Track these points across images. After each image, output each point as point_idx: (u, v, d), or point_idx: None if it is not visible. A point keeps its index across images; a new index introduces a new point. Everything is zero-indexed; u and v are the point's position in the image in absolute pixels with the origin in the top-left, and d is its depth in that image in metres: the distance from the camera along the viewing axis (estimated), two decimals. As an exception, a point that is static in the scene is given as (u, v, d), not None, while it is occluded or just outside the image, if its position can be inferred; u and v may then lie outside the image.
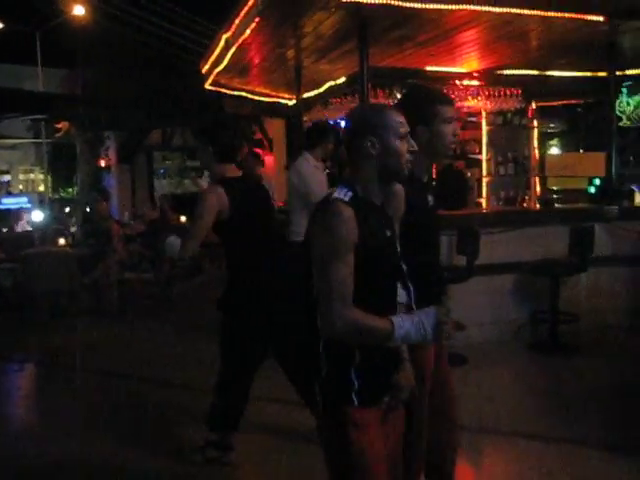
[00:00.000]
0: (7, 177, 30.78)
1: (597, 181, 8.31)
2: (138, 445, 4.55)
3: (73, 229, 13.91)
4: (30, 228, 12.24)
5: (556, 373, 5.92)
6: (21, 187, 30.83)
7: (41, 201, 19.06)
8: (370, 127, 2.27)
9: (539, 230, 6.96)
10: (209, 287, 10.96)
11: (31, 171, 30.32)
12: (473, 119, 10.03)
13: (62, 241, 9.98)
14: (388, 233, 2.34)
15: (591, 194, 8.45)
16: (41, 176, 23.21)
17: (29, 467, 4.31)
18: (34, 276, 8.58)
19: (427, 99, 2.94)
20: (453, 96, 8.45)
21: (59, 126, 16.59)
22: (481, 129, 9.96)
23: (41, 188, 23.93)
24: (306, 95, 9.78)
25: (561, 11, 6.33)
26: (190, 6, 14.30)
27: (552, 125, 11.87)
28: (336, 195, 2.21)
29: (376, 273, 2.25)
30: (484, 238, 6.26)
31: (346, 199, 2.20)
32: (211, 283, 11.43)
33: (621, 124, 9.54)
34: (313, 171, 5.56)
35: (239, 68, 9.38)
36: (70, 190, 22.27)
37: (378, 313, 2.20)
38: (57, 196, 22.43)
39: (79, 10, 17.23)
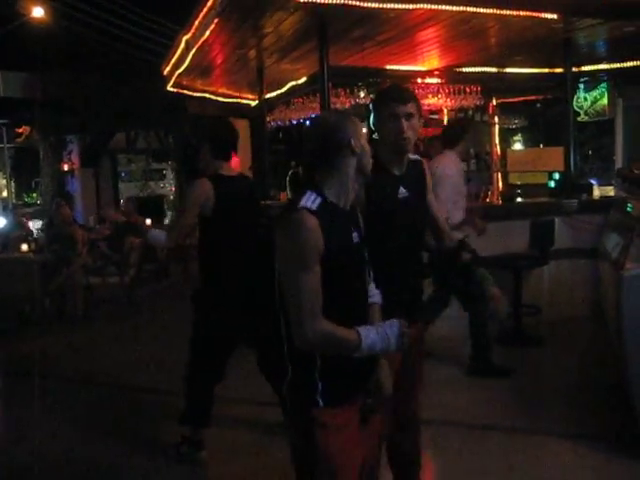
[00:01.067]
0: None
1: (557, 175, 8.44)
2: (110, 447, 4.55)
3: (37, 235, 13.72)
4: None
5: (520, 365, 5.99)
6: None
7: (4, 207, 18.77)
8: (349, 130, 2.28)
9: (501, 225, 7.04)
10: (176, 290, 10.97)
11: (-6, 177, 29.84)
12: (435, 117, 10.14)
13: (25, 247, 9.81)
14: (355, 238, 2.34)
15: (551, 188, 8.58)
16: (4, 182, 22.84)
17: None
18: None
19: (379, 96, 3.00)
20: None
21: (20, 131, 16.37)
22: (443, 126, 10.05)
23: (4, 194, 23.56)
24: (269, 95, 9.78)
25: (517, 9, 6.42)
26: (152, 6, 14.22)
27: (515, 121, 12.03)
28: (303, 203, 2.18)
29: (344, 280, 2.26)
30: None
31: (313, 207, 2.17)
32: (178, 286, 11.44)
33: (579, 119, 9.71)
34: (455, 174, 5.50)
35: (201, 69, 9.36)
36: (34, 195, 21.97)
37: (349, 317, 2.23)
38: (20, 202, 22.10)
39: (38, 12, 17.00)
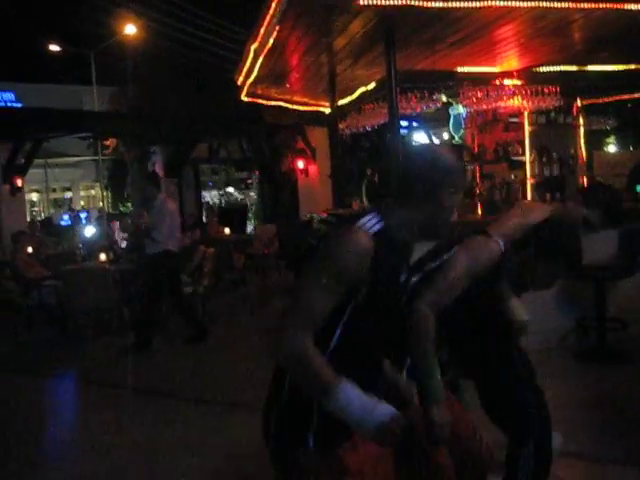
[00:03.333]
0: (69, 194, 31.67)
1: (647, 179, 7.91)
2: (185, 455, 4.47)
3: (123, 244, 14.05)
4: (80, 244, 12.41)
5: (605, 382, 5.55)
6: (82, 203, 31.68)
7: (100, 217, 19.42)
8: (451, 178, 2.13)
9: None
10: (252, 300, 10.97)
11: (92, 187, 31.14)
12: (515, 120, 9.72)
13: (103, 257, 10.01)
14: (402, 278, 2.17)
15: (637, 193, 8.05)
16: (100, 192, 23.87)
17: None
18: (73, 293, 8.64)
19: None
20: (488, 96, 8.21)
21: (107, 143, 16.87)
22: (524, 129, 9.63)
23: (100, 204, 24.60)
24: (341, 102, 9.65)
25: (595, 2, 6.02)
26: (232, 15, 14.36)
27: (605, 122, 11.42)
28: (363, 223, 2.02)
29: (371, 318, 2.05)
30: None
31: (372, 231, 2.00)
32: (254, 295, 11.44)
33: (673, 118, 9.08)
34: None
35: (273, 77, 9.33)
36: (128, 205, 22.76)
37: (360, 365, 2.04)
38: (116, 211, 22.88)
39: (130, 29, 17.59)
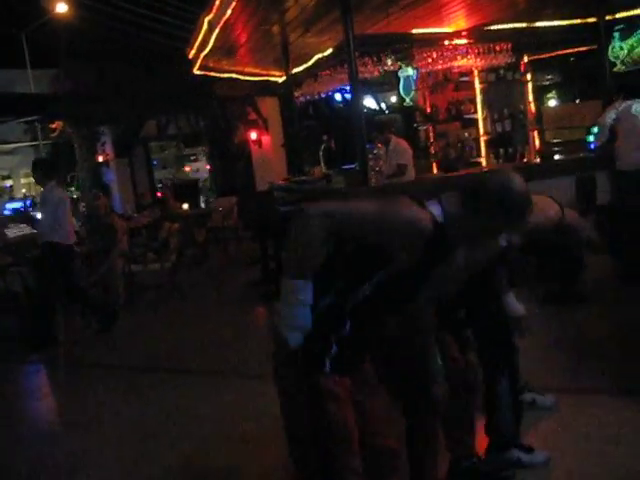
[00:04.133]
0: (9, 182, 30.76)
1: (595, 129, 8.20)
2: (159, 435, 4.55)
3: (77, 228, 13.90)
4: (34, 230, 12.22)
5: (568, 322, 5.83)
6: (24, 191, 30.81)
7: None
8: (519, 224, 2.32)
9: (542, 184, 6.88)
10: (216, 272, 11.06)
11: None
12: (466, 79, 9.95)
13: (67, 240, 9.93)
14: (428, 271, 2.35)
15: (590, 143, 8.36)
16: (43, 178, 23.07)
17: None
18: (40, 277, 8.57)
19: None
20: (443, 57, 8.38)
21: (53, 126, 16.53)
22: (474, 88, 9.87)
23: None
24: (295, 70, 9.69)
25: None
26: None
27: (548, 77, 11.74)
28: (432, 209, 2.22)
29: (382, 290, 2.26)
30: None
31: (436, 219, 2.21)
32: (218, 268, 11.52)
33: (616, 69, 9.39)
34: None
35: (225, 49, 9.31)
36: (72, 189, 22.28)
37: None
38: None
39: (62, 8, 17.07)
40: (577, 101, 11.49)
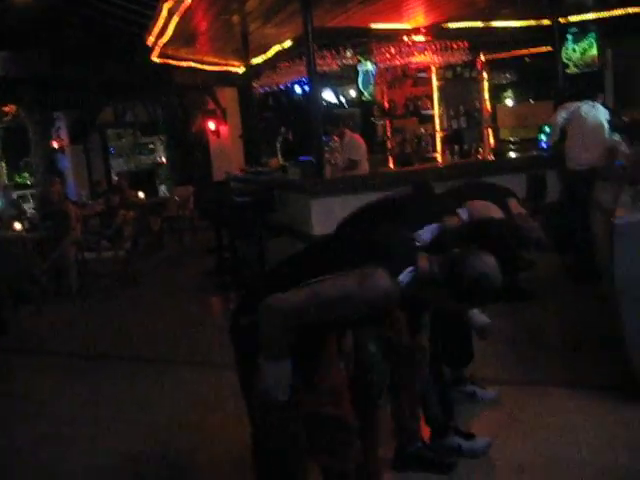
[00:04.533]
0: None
1: (547, 129, 8.40)
2: (109, 421, 4.55)
3: (30, 213, 13.68)
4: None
5: (520, 318, 5.98)
6: (-28, 174, 30.02)
7: (6, 188, 18.58)
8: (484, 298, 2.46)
9: (493, 180, 7.01)
10: (171, 261, 11.01)
11: (-17, 160, 29.54)
12: (423, 75, 10.07)
13: (18, 226, 9.79)
14: None
15: (541, 142, 8.56)
16: (-6, 163, 22.57)
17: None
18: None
19: None
20: (401, 52, 8.48)
21: (7, 110, 16.18)
22: (431, 84, 10.01)
23: (-1, 176, 23.30)
24: (254, 61, 9.69)
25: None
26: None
27: (506, 76, 11.93)
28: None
29: None
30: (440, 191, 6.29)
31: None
32: (173, 257, 11.48)
33: (568, 71, 9.60)
34: None
35: (185, 38, 9.26)
36: (25, 175, 21.81)
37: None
38: (12, 183, 21.92)
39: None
40: (531, 101, 11.72)
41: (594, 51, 9.52)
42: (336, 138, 8.39)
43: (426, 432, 3.62)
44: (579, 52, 9.60)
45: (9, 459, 4.20)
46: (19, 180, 21.94)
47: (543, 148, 8.43)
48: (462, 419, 3.92)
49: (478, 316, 3.64)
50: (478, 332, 3.68)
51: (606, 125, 6.87)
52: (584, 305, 6.01)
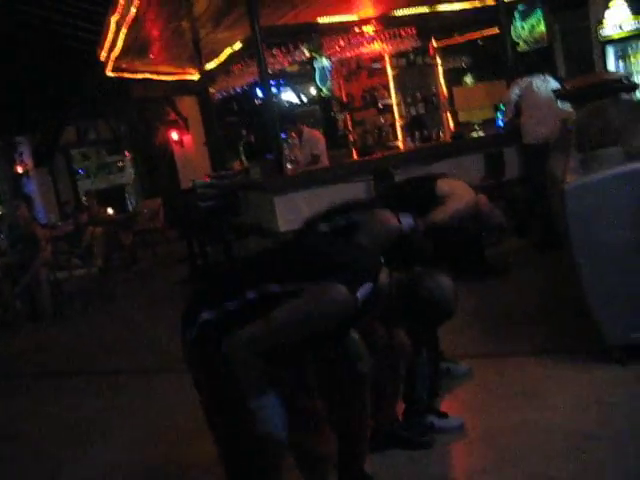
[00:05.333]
0: None
1: (502, 107, 8.49)
2: (92, 433, 4.56)
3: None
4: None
5: (481, 294, 6.04)
6: None
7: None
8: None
9: (453, 161, 7.11)
10: (146, 274, 10.98)
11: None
12: (378, 66, 10.15)
13: (-13, 252, 9.76)
14: None
15: (498, 120, 8.66)
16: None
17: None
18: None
19: None
20: (351, 44, 8.53)
21: (-33, 137, 16.07)
22: (387, 74, 10.08)
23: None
24: (208, 67, 9.69)
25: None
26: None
27: (462, 59, 12.01)
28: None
29: None
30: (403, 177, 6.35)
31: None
32: (147, 269, 11.45)
33: (519, 49, 9.70)
34: None
35: (136, 49, 9.25)
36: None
37: None
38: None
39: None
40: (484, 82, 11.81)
41: (542, 27, 9.62)
42: (294, 135, 8.45)
43: (400, 409, 3.66)
44: (527, 29, 9.70)
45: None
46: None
47: (499, 126, 8.54)
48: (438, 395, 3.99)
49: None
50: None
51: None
52: (549, 275, 6.14)
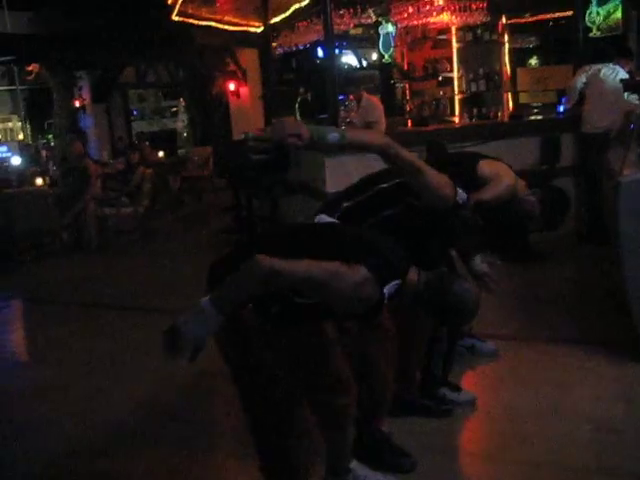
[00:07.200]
0: (-15, 127, 30.18)
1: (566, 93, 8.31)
2: (126, 374, 4.68)
3: (52, 170, 13.86)
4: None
5: (519, 278, 6.02)
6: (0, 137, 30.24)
7: (22, 149, 18.80)
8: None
9: (509, 142, 7.00)
10: (190, 220, 11.15)
11: (9, 120, 29.72)
12: (443, 37, 10.00)
13: (40, 181, 9.98)
14: None
15: (559, 105, 8.48)
16: (19, 124, 22.73)
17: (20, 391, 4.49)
18: (13, 216, 8.63)
19: None
20: (419, 12, 8.41)
21: (30, 69, 16.29)
22: (451, 47, 9.93)
23: (20, 136, 23.51)
24: (273, 21, 9.64)
25: None
26: None
27: (530, 40, 11.75)
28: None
29: None
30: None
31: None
32: (192, 215, 11.62)
33: (591, 35, 9.44)
34: None
35: (204, -5, 9.24)
36: (49, 137, 21.98)
37: None
38: (37, 143, 22.11)
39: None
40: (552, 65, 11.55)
41: (618, 14, 9.33)
42: (352, 97, 8.40)
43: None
44: (603, 15, 9.42)
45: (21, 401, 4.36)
46: (43, 141, 22.13)
47: (560, 112, 8.37)
48: (460, 370, 4.02)
49: (478, 264, 3.68)
50: (478, 282, 3.70)
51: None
52: (592, 265, 6.08)
